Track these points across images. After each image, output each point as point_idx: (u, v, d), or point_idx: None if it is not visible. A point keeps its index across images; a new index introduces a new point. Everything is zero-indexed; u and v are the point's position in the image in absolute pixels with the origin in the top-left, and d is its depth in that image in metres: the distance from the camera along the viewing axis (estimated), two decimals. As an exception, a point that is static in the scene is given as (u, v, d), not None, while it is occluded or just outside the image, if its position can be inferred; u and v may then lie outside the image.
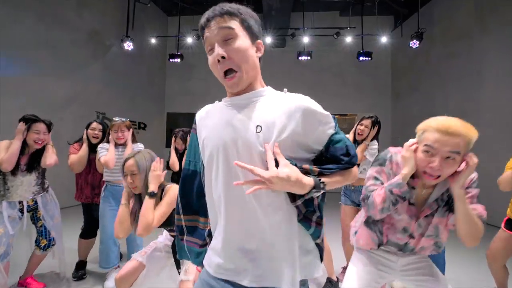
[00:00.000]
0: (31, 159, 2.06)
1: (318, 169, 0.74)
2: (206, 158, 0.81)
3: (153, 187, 1.50)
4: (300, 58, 6.60)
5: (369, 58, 6.46)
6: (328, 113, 0.78)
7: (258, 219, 0.73)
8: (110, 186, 2.29)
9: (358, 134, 2.34)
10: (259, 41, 0.81)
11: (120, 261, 2.50)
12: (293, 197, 0.73)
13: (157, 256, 1.62)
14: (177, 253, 0.96)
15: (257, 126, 0.73)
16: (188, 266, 1.54)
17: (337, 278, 2.24)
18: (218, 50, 0.74)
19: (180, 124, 9.19)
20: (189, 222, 0.91)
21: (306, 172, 0.72)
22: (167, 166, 3.02)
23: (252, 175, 0.68)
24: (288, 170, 0.67)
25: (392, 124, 7.79)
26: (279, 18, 6.86)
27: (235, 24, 0.75)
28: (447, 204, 1.15)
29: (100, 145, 2.29)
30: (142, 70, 7.31)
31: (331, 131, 0.78)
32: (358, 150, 2.24)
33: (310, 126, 0.75)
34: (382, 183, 1.20)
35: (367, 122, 2.32)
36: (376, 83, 8.05)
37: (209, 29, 0.76)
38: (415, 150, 1.13)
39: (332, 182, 0.75)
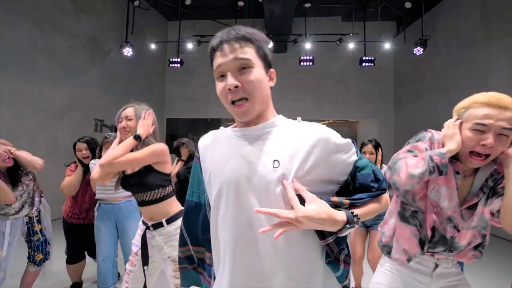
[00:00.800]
0: (10, 177, 1.88)
1: (349, 201, 0.66)
2: (213, 194, 0.73)
3: (140, 132, 1.44)
4: (302, 64, 6.52)
5: (372, 64, 6.38)
6: (348, 140, 0.72)
7: (273, 265, 0.65)
8: (104, 205, 2.16)
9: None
10: (272, 69, 0.76)
11: (118, 280, 2.37)
12: (322, 235, 0.65)
13: (136, 279, 1.49)
14: (180, 282, 0.89)
15: (274, 161, 0.66)
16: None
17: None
18: (231, 80, 0.67)
19: (180, 129, 9.10)
20: (197, 253, 0.83)
21: (335, 206, 0.64)
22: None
23: (276, 219, 0.61)
24: (316, 206, 0.60)
25: (395, 130, 7.70)
26: (281, 24, 6.78)
27: (251, 53, 0.69)
28: (492, 190, 1.01)
29: (92, 161, 2.17)
30: (142, 76, 7.21)
31: (354, 158, 0.72)
32: None
33: (332, 157, 0.68)
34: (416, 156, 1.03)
35: (369, 148, 2.22)
36: (379, 89, 7.96)
37: (222, 54, 0.70)
38: (460, 131, 0.99)
39: (365, 213, 0.68)
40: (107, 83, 5.95)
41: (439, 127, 1.11)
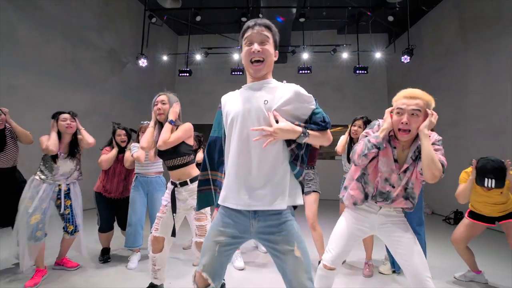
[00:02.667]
0: (69, 148, 2.42)
1: (304, 125, 1.12)
2: (228, 122, 1.18)
3: (172, 117, 1.92)
4: (300, 72, 7.11)
5: (365, 72, 6.92)
6: (310, 95, 1.16)
7: (261, 163, 1.10)
8: (140, 177, 2.71)
9: (353, 133, 2.71)
10: (276, 51, 1.22)
11: (142, 244, 2.80)
12: (288, 143, 1.12)
13: (165, 223, 1.94)
14: (198, 205, 1.35)
15: (264, 100, 1.12)
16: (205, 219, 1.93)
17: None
18: (256, 46, 1.13)
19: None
20: (214, 176, 1.31)
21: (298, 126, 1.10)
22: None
23: (263, 133, 1.06)
24: (284, 123, 1.07)
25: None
26: (280, 37, 7.42)
27: (269, 34, 1.16)
28: (418, 158, 1.48)
29: (132, 144, 2.73)
30: (154, 84, 7.87)
31: (313, 106, 1.16)
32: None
33: (300, 102, 1.13)
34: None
35: (359, 122, 2.69)
36: (374, 96, 8.50)
37: (252, 31, 1.14)
38: (391, 116, 1.49)
39: (313, 135, 1.12)
40: (123, 90, 6.60)
41: None
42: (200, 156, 3.08)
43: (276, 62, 1.24)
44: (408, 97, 1.44)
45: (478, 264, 2.44)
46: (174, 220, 1.91)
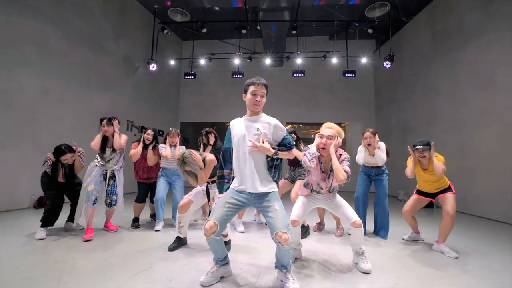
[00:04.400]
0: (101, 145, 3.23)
1: (277, 147, 1.89)
2: (234, 140, 1.95)
3: (201, 165, 2.56)
4: (295, 75, 7.89)
5: (353, 75, 7.69)
6: (283, 127, 1.95)
7: (252, 168, 1.87)
8: (165, 169, 3.57)
9: (366, 143, 3.37)
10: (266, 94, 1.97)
11: (162, 218, 3.59)
12: (267, 156, 1.88)
13: (199, 194, 2.79)
14: (218, 190, 2.18)
15: (257, 128, 1.88)
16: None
17: (307, 224, 3.36)
18: (259, 98, 1.87)
19: (191, 132, 10.45)
20: (226, 172, 2.12)
21: (273, 149, 1.88)
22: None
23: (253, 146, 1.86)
24: (266, 144, 1.83)
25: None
26: (276, 44, 8.22)
27: (265, 91, 1.92)
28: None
29: (161, 145, 3.56)
30: (161, 87, 8.66)
31: (284, 134, 1.93)
32: (379, 152, 3.31)
33: (276, 131, 1.90)
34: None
35: (369, 133, 3.39)
36: (362, 97, 9.29)
37: (256, 87, 1.87)
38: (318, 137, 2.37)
39: (282, 154, 1.89)
40: (136, 92, 7.38)
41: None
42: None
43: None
44: (327, 128, 2.35)
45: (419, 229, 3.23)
46: (209, 205, 2.86)
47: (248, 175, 1.87)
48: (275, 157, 1.87)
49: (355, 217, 2.25)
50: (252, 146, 1.83)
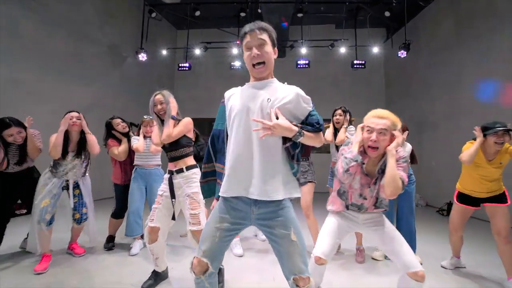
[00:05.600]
0: (78, 147, 2.53)
1: (300, 125, 1.20)
2: (231, 117, 1.24)
3: (173, 112, 2.05)
4: (298, 67, 7.19)
5: (363, 67, 7.01)
6: (309, 97, 1.25)
7: (261, 161, 1.17)
8: (139, 169, 2.84)
9: (336, 123, 2.98)
10: (275, 48, 1.27)
11: (142, 232, 2.95)
12: (284, 140, 1.20)
13: (161, 214, 2.04)
14: (203, 195, 1.50)
15: (267, 98, 1.20)
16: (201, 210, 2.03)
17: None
18: (255, 50, 1.20)
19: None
20: (218, 168, 1.42)
21: (296, 127, 1.17)
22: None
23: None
24: (283, 120, 1.14)
25: (386, 128, 8.29)
26: (278, 31, 7.49)
27: (266, 36, 1.22)
28: (383, 171, 1.64)
29: (133, 137, 2.86)
30: (153, 78, 7.96)
31: (310, 108, 1.25)
32: (341, 133, 2.85)
33: (299, 103, 1.22)
34: None
35: (339, 111, 2.99)
36: (371, 90, 8.59)
37: (250, 36, 1.21)
38: (362, 132, 1.65)
39: (307, 136, 1.19)
40: (124, 85, 6.69)
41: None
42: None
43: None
44: (377, 117, 1.60)
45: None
46: (173, 205, 2.04)
47: (254, 170, 1.18)
48: (297, 140, 1.17)
49: (417, 265, 1.49)
50: (261, 128, 1.13)
